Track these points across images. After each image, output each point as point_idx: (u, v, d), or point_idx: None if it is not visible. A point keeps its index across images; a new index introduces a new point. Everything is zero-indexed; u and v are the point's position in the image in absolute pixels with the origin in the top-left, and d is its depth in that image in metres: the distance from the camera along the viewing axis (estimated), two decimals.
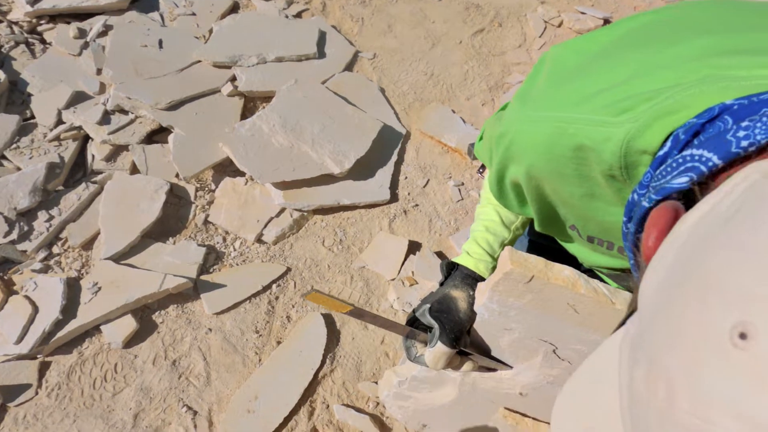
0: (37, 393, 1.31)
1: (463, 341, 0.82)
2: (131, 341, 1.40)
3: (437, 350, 0.78)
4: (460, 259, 0.87)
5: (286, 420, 1.30)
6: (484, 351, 0.86)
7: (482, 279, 0.82)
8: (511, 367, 0.87)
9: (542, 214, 0.69)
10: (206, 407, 1.33)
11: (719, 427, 0.24)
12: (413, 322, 0.83)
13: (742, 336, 0.24)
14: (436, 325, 0.79)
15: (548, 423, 0.96)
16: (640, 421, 0.30)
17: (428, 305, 0.82)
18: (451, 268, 0.87)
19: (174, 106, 1.70)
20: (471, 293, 0.83)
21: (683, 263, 0.30)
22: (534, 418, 0.98)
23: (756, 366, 0.23)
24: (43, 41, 1.86)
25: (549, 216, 0.70)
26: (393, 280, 1.54)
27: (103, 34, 1.84)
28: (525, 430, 0.99)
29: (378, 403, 1.35)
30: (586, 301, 0.66)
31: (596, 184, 0.57)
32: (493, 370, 0.89)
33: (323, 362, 1.39)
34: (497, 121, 0.68)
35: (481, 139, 0.85)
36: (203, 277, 1.50)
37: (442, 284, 0.87)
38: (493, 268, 0.84)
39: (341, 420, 1.32)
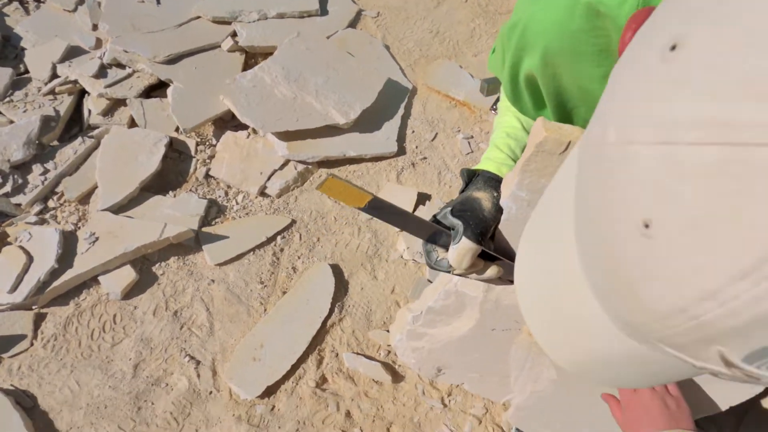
0: (32, 344, 1.25)
1: (487, 243, 0.76)
2: (130, 292, 1.34)
3: (461, 246, 0.72)
4: (482, 165, 0.82)
5: (294, 368, 1.25)
6: (509, 257, 0.81)
7: None
8: None
9: (560, 112, 0.65)
10: (210, 357, 1.27)
11: (641, 138, 0.23)
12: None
13: (673, 48, 0.22)
14: (459, 223, 0.73)
15: None
16: (580, 172, 0.29)
17: (450, 207, 0.76)
18: (471, 176, 0.82)
19: (172, 60, 1.64)
20: (495, 194, 0.77)
21: None
22: None
23: (679, 72, 0.22)
24: (38, 2, 1.81)
25: (567, 115, 0.65)
26: (402, 230, 1.48)
27: None
28: None
29: (390, 352, 1.29)
30: None
31: (617, 60, 0.53)
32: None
33: (331, 311, 1.33)
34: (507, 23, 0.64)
35: (494, 51, 0.80)
36: (205, 229, 1.44)
37: (462, 192, 0.82)
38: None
39: (351, 368, 1.26)
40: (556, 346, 0.41)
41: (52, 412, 1.17)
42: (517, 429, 1.20)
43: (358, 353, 1.28)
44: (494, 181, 0.79)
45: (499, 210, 0.76)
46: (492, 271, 0.78)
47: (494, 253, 0.78)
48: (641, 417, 0.82)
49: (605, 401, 0.91)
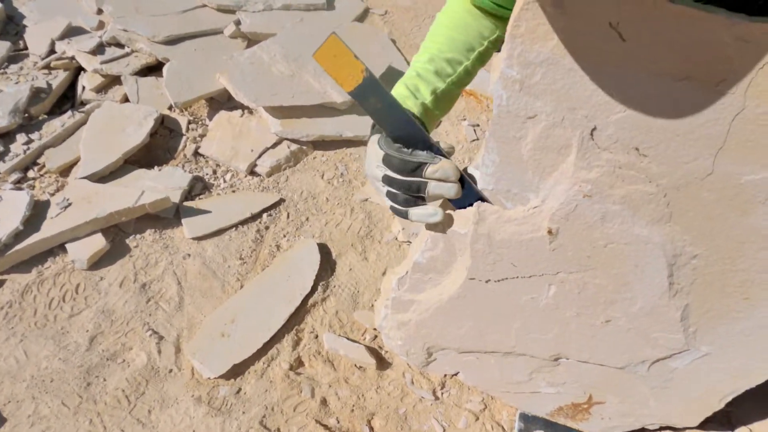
0: None
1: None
2: (99, 262, 1.23)
3: (444, 164, 0.67)
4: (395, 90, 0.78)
5: (267, 347, 1.10)
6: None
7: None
8: (486, 199, 0.71)
9: None
10: (174, 333, 1.13)
11: None
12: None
13: None
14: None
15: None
16: None
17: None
18: None
19: (172, 41, 1.61)
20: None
21: None
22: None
23: None
24: None
25: None
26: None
27: None
28: None
29: (377, 336, 1.14)
30: (635, 6, 0.49)
31: None
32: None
33: (314, 289, 1.19)
34: None
35: None
36: (187, 203, 1.35)
37: None
38: (422, 104, 0.76)
39: (331, 350, 1.11)
40: None
41: None
42: (519, 424, 1.02)
43: (340, 335, 1.13)
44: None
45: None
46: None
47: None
48: None
49: None
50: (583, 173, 0.63)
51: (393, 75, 1.64)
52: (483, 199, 0.73)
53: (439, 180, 0.66)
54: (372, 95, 0.63)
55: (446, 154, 0.69)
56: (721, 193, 0.59)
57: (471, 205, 0.73)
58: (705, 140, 0.56)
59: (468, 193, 0.72)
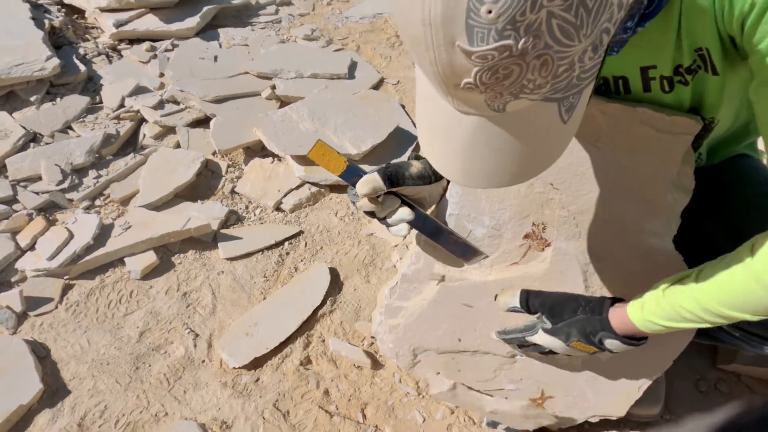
0: (56, 307, 1.40)
1: (400, 182, 0.88)
2: (149, 274, 1.50)
3: (366, 176, 0.85)
4: None
5: (282, 346, 1.34)
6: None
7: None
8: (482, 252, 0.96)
9: None
10: (208, 332, 1.38)
11: None
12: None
13: None
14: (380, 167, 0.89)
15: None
16: None
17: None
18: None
19: (219, 101, 1.95)
20: (428, 167, 0.91)
21: None
22: None
23: None
24: (120, 56, 2.22)
25: None
26: (397, 246, 1.62)
27: (170, 50, 2.19)
28: None
29: (373, 343, 1.37)
30: None
31: None
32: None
33: (323, 303, 1.44)
34: None
35: None
36: (223, 231, 1.63)
37: None
38: None
39: (335, 352, 1.34)
40: (444, 161, 0.57)
41: (61, 363, 1.29)
42: (488, 421, 1.23)
43: (343, 340, 1.36)
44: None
45: (422, 177, 0.90)
46: (402, 213, 0.89)
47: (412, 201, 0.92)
48: None
49: None
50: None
51: (401, 134, 1.94)
52: (452, 234, 0.97)
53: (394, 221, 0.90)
54: (354, 176, 0.89)
55: (412, 205, 0.92)
56: (610, 217, 0.85)
57: (444, 240, 0.97)
58: (593, 179, 0.82)
59: (442, 235, 0.97)
